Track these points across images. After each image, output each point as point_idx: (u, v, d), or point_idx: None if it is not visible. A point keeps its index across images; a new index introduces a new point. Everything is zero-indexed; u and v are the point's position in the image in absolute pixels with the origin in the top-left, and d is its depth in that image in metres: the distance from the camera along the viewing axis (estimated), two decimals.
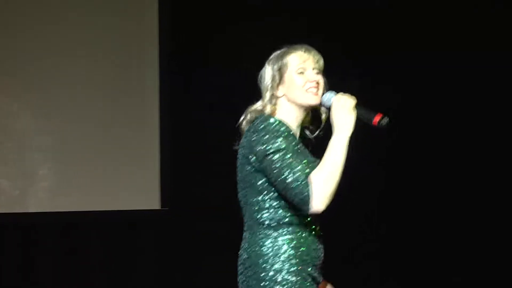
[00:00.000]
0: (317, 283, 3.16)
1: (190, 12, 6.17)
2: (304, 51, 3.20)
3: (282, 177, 3.00)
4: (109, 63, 6.05)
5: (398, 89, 6.07)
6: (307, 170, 3.00)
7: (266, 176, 3.06)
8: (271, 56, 3.24)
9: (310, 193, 2.96)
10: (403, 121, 5.98)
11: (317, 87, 3.17)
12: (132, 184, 6.03)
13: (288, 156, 3.01)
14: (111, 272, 6.04)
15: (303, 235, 3.10)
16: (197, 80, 6.17)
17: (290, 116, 3.18)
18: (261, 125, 3.09)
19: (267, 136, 3.05)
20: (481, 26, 6.06)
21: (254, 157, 3.08)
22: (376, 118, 3.04)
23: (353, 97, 3.12)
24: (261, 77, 3.24)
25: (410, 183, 6.27)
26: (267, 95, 3.19)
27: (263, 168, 3.05)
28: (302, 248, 3.08)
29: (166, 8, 6.12)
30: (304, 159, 3.05)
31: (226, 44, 6.17)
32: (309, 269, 3.10)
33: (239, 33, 6.14)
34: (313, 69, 3.19)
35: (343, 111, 3.06)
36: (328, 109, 3.15)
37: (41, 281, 5.89)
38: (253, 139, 3.08)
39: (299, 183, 2.97)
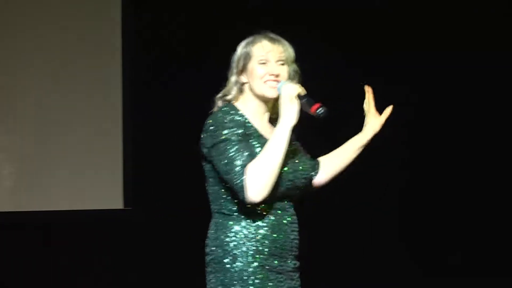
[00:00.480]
0: (288, 274, 3.13)
1: (153, 11, 6.20)
2: (269, 41, 3.16)
3: (223, 167, 3.00)
4: (70, 63, 6.03)
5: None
6: (247, 160, 2.98)
7: (215, 167, 3.07)
8: (241, 42, 3.22)
9: (245, 183, 2.94)
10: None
11: (277, 81, 3.12)
12: (95, 183, 6.02)
13: (229, 146, 3.00)
14: (73, 272, 6.02)
15: (265, 225, 3.07)
16: (160, 80, 6.17)
17: (252, 105, 3.18)
18: (209, 119, 3.11)
19: (212, 128, 3.07)
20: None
21: (205, 150, 3.10)
22: (314, 107, 3.00)
23: (297, 86, 3.08)
24: (232, 61, 3.23)
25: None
26: (232, 79, 3.19)
27: (210, 157, 3.07)
28: (261, 240, 3.06)
29: (129, 7, 6.14)
30: (248, 149, 3.02)
31: (191, 42, 6.20)
32: (271, 261, 3.07)
33: (203, 31, 6.19)
34: (277, 61, 3.15)
35: (286, 100, 3.03)
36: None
37: (1, 280, 5.85)
38: (202, 134, 3.11)
39: (235, 172, 2.96)
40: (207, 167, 3.13)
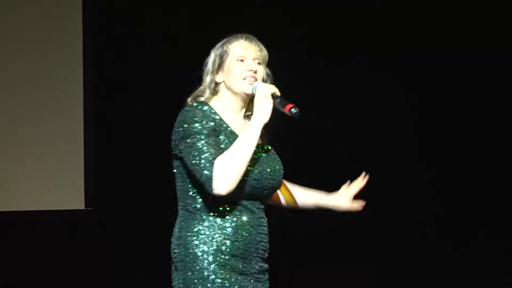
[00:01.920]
0: (254, 276, 3.11)
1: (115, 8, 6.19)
2: (245, 39, 3.22)
3: (192, 160, 3.01)
4: (32, 60, 6.03)
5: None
6: (215, 153, 3.00)
7: (185, 163, 3.07)
8: (216, 45, 3.26)
9: (212, 174, 2.95)
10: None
11: (254, 77, 3.17)
12: (56, 184, 6.01)
13: (198, 139, 3.03)
14: (33, 272, 6.02)
15: (228, 225, 3.08)
16: (121, 80, 6.15)
17: (228, 103, 3.21)
18: (179, 115, 3.13)
19: (182, 122, 3.09)
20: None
21: (174, 144, 3.12)
22: (287, 107, 3.07)
23: (273, 86, 3.14)
24: (205, 64, 3.26)
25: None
26: (207, 79, 3.22)
27: (180, 152, 3.08)
28: (223, 240, 3.06)
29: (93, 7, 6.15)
30: (218, 145, 3.06)
31: (153, 40, 6.19)
32: (233, 262, 3.06)
33: (165, 30, 6.18)
34: (254, 59, 3.20)
35: (261, 98, 3.07)
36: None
37: None
38: (173, 130, 3.13)
39: (203, 164, 2.97)
40: (175, 163, 3.14)
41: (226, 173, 2.96)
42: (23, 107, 6.00)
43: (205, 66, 3.24)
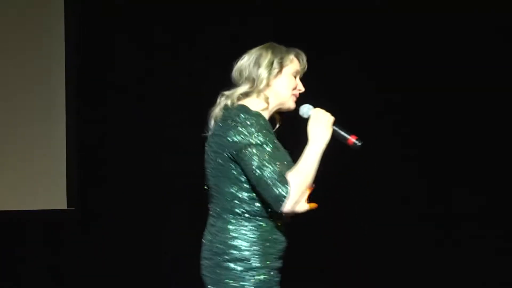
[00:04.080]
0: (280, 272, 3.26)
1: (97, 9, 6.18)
2: (303, 57, 3.31)
3: (260, 172, 3.04)
4: (13, 60, 6.00)
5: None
6: (284, 170, 3.05)
7: (242, 168, 3.09)
8: (267, 45, 3.27)
9: (288, 193, 3.03)
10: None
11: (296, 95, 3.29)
12: (39, 184, 6.01)
13: (267, 151, 3.07)
14: (16, 271, 6.00)
15: (273, 228, 3.17)
16: (103, 81, 6.17)
17: (267, 105, 3.23)
18: (242, 116, 3.12)
19: (247, 128, 3.09)
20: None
21: (232, 148, 3.10)
22: (352, 139, 3.21)
23: (329, 114, 3.22)
24: (253, 60, 3.23)
25: None
26: (263, 83, 3.21)
27: (240, 160, 3.08)
28: (268, 243, 3.16)
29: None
30: (283, 157, 3.13)
31: (130, 43, 6.19)
32: (274, 263, 3.19)
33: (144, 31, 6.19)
34: (300, 78, 3.30)
35: (322, 126, 3.17)
36: (305, 119, 3.25)
37: None
38: (232, 129, 3.10)
39: (276, 182, 3.02)
40: (229, 165, 3.13)
41: (297, 196, 3.04)
42: (5, 107, 5.97)
43: (255, 64, 3.22)
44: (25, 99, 6.02)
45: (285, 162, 3.11)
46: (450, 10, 6.08)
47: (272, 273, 3.18)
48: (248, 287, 3.11)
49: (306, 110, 3.27)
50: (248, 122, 3.09)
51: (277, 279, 3.22)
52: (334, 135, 3.21)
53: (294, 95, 3.27)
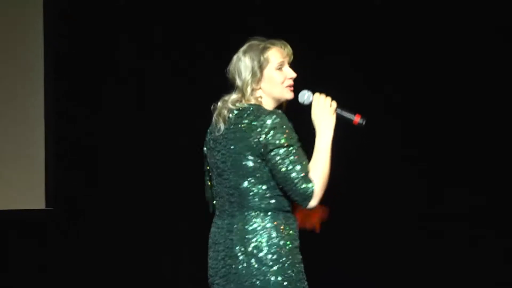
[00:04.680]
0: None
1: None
2: (283, 47, 3.36)
3: (286, 172, 3.17)
4: None
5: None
6: (308, 168, 3.19)
7: (268, 166, 3.20)
8: (246, 47, 3.35)
9: (314, 190, 3.18)
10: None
11: (293, 84, 3.36)
12: (17, 183, 5.97)
13: (294, 152, 3.19)
14: None
15: (293, 223, 3.29)
16: (81, 80, 6.14)
17: (267, 107, 3.33)
18: (267, 118, 3.22)
19: (274, 129, 3.20)
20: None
21: (259, 149, 3.21)
22: (356, 119, 3.31)
23: (333, 100, 3.31)
24: (236, 68, 3.33)
25: None
26: (248, 90, 3.30)
27: (268, 159, 3.20)
28: (290, 237, 3.25)
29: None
30: (305, 157, 3.23)
31: (112, 45, 6.18)
32: (300, 256, 3.29)
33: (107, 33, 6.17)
34: (288, 63, 3.36)
35: (326, 114, 3.28)
36: (306, 105, 3.34)
37: None
38: (259, 131, 3.21)
39: (302, 180, 3.17)
40: (256, 164, 3.23)
41: (321, 190, 3.21)
42: None
43: (238, 72, 3.31)
44: (3, 99, 5.99)
45: (307, 159, 3.23)
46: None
47: (299, 265, 3.27)
48: (281, 282, 3.19)
49: (306, 97, 3.34)
50: (274, 123, 3.20)
51: (303, 271, 3.30)
52: (338, 117, 3.30)
53: (287, 86, 3.34)
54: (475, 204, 6.10)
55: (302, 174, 3.17)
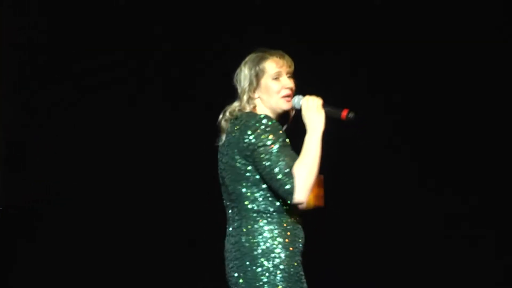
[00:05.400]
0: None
1: None
2: (279, 57, 3.51)
3: (269, 169, 3.32)
4: None
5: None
6: (291, 164, 3.32)
7: (257, 168, 3.37)
8: (247, 59, 3.55)
9: (294, 185, 3.29)
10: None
11: (291, 94, 3.50)
12: None
13: (275, 149, 3.34)
14: None
15: (293, 226, 3.43)
16: (33, 77, 6.12)
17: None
18: (252, 121, 3.40)
19: (257, 131, 3.37)
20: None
21: (245, 151, 3.39)
22: (344, 113, 3.43)
23: (319, 97, 3.45)
24: (237, 78, 3.55)
25: None
26: (244, 98, 3.51)
27: (254, 161, 3.37)
28: (291, 238, 3.40)
29: None
30: (291, 153, 3.36)
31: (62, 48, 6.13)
32: (298, 257, 3.43)
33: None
34: (287, 74, 3.50)
35: (313, 112, 3.41)
36: (298, 111, 3.48)
37: None
38: (244, 135, 3.39)
39: (284, 175, 3.30)
40: (246, 167, 3.41)
41: (305, 185, 3.31)
42: None
43: (238, 81, 3.54)
44: None
45: (293, 157, 3.35)
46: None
47: (298, 266, 3.41)
48: (280, 282, 3.35)
49: (297, 101, 3.49)
50: (257, 126, 3.37)
51: (303, 272, 3.44)
52: (328, 115, 3.42)
53: (284, 96, 3.50)
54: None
55: (285, 170, 3.30)
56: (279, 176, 3.29)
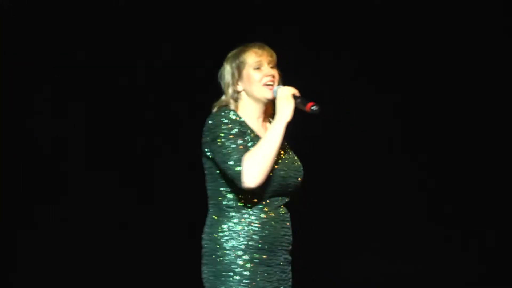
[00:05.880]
0: (279, 267, 3.45)
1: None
2: (258, 48, 3.55)
3: (221, 157, 3.37)
4: None
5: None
6: (243, 151, 3.35)
7: (215, 162, 3.43)
8: (228, 55, 3.59)
9: (242, 169, 3.31)
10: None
11: (273, 81, 3.52)
12: None
13: (227, 140, 3.38)
14: None
15: (256, 222, 3.42)
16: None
17: (250, 109, 3.55)
18: (209, 119, 3.48)
19: (211, 127, 3.44)
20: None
21: (205, 146, 3.46)
22: (308, 105, 3.42)
23: (292, 88, 3.48)
24: (220, 75, 3.59)
25: None
26: (229, 91, 3.55)
27: (211, 152, 3.43)
28: (252, 235, 3.40)
29: None
30: (245, 144, 3.40)
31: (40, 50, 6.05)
32: (261, 255, 3.41)
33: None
34: (268, 63, 3.53)
35: (282, 100, 3.43)
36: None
37: None
38: (203, 134, 3.47)
39: (233, 161, 3.33)
40: (207, 163, 3.49)
41: (254, 167, 3.31)
42: None
43: (222, 77, 3.59)
44: None
45: (245, 146, 3.38)
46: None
47: (258, 265, 3.39)
48: (237, 279, 3.37)
49: (274, 91, 3.51)
50: (212, 122, 3.45)
51: (269, 272, 3.41)
52: (296, 106, 3.43)
53: (265, 85, 3.52)
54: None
55: (232, 155, 3.33)
56: (229, 162, 3.32)
